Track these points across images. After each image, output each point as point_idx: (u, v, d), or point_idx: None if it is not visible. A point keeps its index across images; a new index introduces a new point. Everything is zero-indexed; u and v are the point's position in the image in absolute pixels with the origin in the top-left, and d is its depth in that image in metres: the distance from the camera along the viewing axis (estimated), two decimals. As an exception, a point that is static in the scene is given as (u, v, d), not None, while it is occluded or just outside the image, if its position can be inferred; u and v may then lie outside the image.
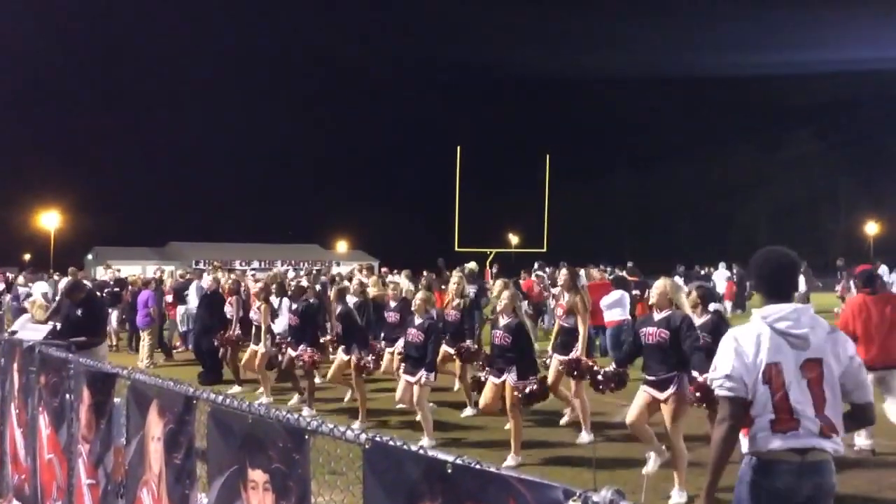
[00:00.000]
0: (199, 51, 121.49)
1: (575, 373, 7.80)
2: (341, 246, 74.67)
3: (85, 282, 11.40)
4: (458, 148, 33.17)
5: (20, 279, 20.25)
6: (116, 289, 16.73)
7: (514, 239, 52.07)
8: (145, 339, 14.18)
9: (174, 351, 16.19)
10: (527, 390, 6.98)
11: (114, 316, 15.92)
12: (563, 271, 9.00)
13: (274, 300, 11.01)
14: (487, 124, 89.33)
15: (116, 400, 3.99)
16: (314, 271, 22.58)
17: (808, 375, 3.14)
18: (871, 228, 55.54)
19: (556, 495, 1.68)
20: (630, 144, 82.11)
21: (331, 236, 75.79)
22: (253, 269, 35.61)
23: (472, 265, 16.28)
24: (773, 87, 74.31)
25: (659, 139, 79.90)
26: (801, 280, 17.17)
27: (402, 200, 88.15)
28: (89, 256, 63.75)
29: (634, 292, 14.27)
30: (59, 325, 8.26)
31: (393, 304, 10.35)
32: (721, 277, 24.29)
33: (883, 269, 25.04)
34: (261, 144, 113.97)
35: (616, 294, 12.59)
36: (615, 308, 12.44)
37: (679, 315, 6.05)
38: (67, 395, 4.54)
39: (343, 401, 10.22)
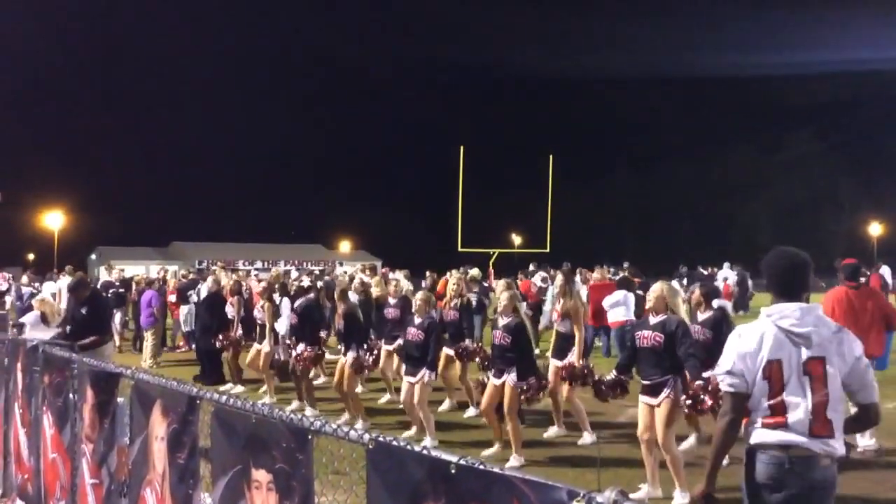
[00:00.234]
0: (199, 51, 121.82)
1: (570, 378, 7.77)
2: (344, 246, 74.68)
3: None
4: (462, 148, 33.19)
5: (23, 279, 20.30)
6: (122, 290, 16.76)
7: (516, 239, 52.05)
8: (149, 339, 14.19)
9: (178, 351, 16.22)
10: (526, 390, 6.99)
11: (117, 317, 15.93)
12: (559, 277, 8.98)
13: (276, 300, 11.02)
14: (489, 124, 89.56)
15: (120, 400, 4.00)
16: (317, 272, 22.58)
17: (810, 374, 3.17)
18: (875, 229, 55.40)
19: (560, 496, 1.68)
20: (633, 144, 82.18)
21: (334, 236, 75.83)
22: (256, 270, 35.64)
23: (474, 272, 16.25)
24: (774, 87, 74.41)
25: (661, 139, 79.96)
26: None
27: (405, 201, 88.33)
28: (93, 256, 63.87)
29: (639, 292, 14.25)
30: (68, 329, 8.27)
31: (393, 300, 10.35)
32: (726, 277, 24.23)
33: (885, 270, 25.01)
34: (264, 144, 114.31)
35: (619, 294, 12.57)
36: (618, 308, 12.43)
37: (675, 319, 6.05)
38: (71, 395, 4.55)
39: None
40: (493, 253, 34.67)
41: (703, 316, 6.84)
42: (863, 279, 7.73)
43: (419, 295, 8.42)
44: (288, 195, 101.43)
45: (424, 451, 2.04)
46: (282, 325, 10.90)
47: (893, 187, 60.92)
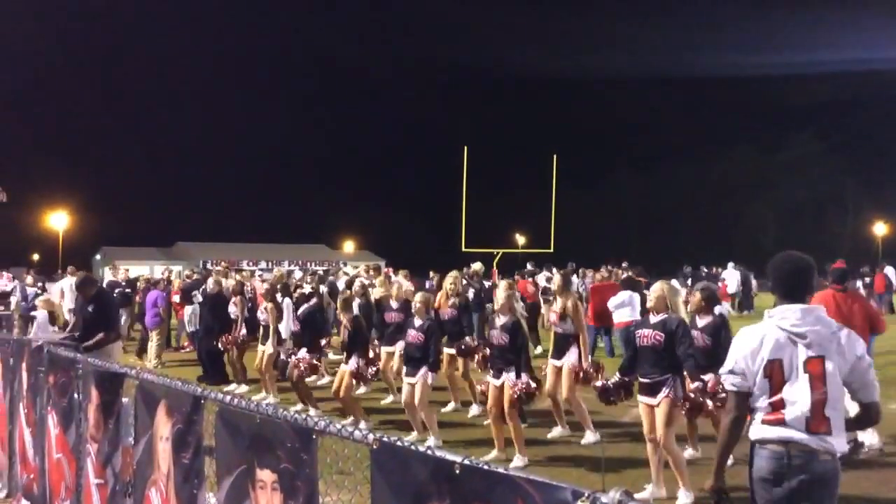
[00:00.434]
0: (199, 51, 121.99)
1: (586, 381, 7.77)
2: (348, 246, 74.72)
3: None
4: (465, 148, 33.17)
5: (28, 279, 20.34)
6: (128, 290, 16.79)
7: (520, 239, 52.06)
8: (153, 339, 14.21)
9: (183, 351, 16.24)
10: (523, 388, 7.00)
11: (122, 318, 15.96)
12: (557, 276, 8.98)
13: (279, 301, 11.04)
14: (492, 125, 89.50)
15: (125, 400, 4.01)
16: (321, 272, 22.59)
17: (810, 373, 3.27)
18: (880, 229, 55.26)
19: (565, 496, 1.68)
20: (636, 144, 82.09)
21: (338, 236, 75.88)
22: (260, 270, 35.70)
23: (477, 265, 16.24)
24: (775, 87, 74.49)
25: (664, 139, 79.79)
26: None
27: (409, 201, 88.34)
28: (97, 257, 63.97)
29: (646, 292, 14.23)
30: (76, 333, 8.29)
31: (395, 304, 10.36)
32: (731, 277, 24.19)
33: (889, 270, 24.97)
34: (267, 144, 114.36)
35: (624, 294, 12.55)
36: (624, 308, 12.41)
37: (675, 319, 6.08)
38: (76, 395, 4.56)
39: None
40: (497, 253, 34.67)
41: (702, 321, 6.81)
42: (849, 284, 7.88)
43: (418, 297, 8.44)
44: (292, 195, 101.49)
45: (428, 452, 2.04)
46: (284, 326, 10.92)
47: (896, 188, 60.85)
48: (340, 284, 14.82)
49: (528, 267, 20.88)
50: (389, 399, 10.29)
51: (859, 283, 25.04)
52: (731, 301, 23.61)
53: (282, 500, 2.59)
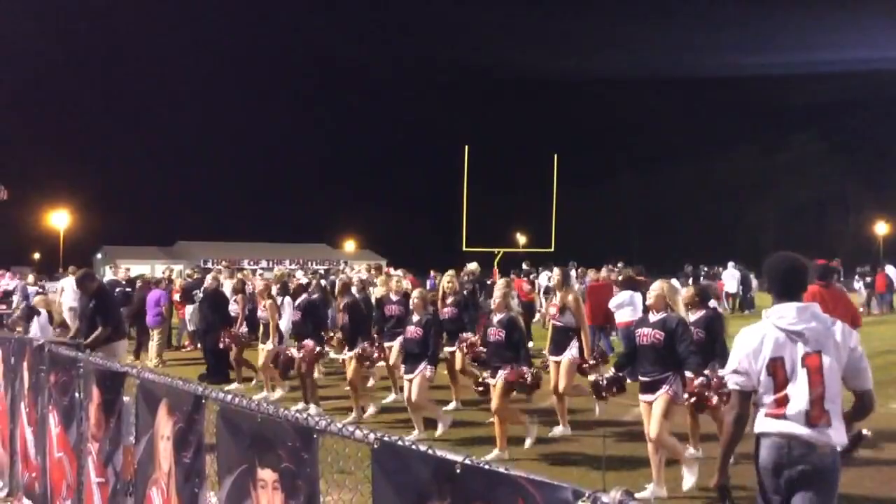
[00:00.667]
0: (199, 50, 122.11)
1: (593, 371, 7.81)
2: (349, 245, 74.81)
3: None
4: (466, 148, 33.15)
5: (30, 278, 20.35)
6: (129, 289, 16.77)
7: (521, 239, 52.04)
8: (154, 338, 14.21)
9: (184, 350, 16.24)
10: (523, 379, 7.05)
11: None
12: (556, 272, 9.02)
13: (277, 299, 11.05)
14: (494, 124, 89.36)
15: (126, 398, 4.01)
16: (322, 271, 22.60)
17: (808, 368, 3.39)
18: (881, 229, 55.24)
19: (566, 496, 1.68)
20: (637, 144, 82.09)
21: (339, 236, 76.01)
22: (261, 269, 35.69)
23: (472, 266, 16.24)
24: (775, 87, 74.10)
25: (665, 139, 79.81)
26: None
27: (409, 200, 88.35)
28: (98, 256, 64.07)
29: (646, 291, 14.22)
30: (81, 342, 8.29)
31: (395, 297, 10.37)
32: (731, 277, 24.18)
33: (890, 269, 24.96)
34: (269, 143, 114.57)
35: (625, 294, 12.54)
36: (625, 308, 12.40)
37: (675, 318, 6.09)
38: (77, 394, 4.56)
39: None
40: (498, 252, 34.63)
41: (694, 316, 6.81)
42: (831, 280, 8.22)
43: (416, 293, 8.48)
44: (293, 194, 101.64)
45: (430, 451, 2.04)
46: (284, 324, 10.92)
47: (898, 188, 60.79)
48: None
49: (524, 266, 20.87)
50: (392, 398, 10.29)
51: (860, 283, 25.12)
52: (730, 301, 23.64)
53: (283, 500, 2.59)
